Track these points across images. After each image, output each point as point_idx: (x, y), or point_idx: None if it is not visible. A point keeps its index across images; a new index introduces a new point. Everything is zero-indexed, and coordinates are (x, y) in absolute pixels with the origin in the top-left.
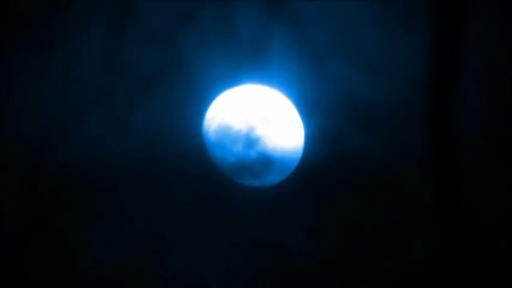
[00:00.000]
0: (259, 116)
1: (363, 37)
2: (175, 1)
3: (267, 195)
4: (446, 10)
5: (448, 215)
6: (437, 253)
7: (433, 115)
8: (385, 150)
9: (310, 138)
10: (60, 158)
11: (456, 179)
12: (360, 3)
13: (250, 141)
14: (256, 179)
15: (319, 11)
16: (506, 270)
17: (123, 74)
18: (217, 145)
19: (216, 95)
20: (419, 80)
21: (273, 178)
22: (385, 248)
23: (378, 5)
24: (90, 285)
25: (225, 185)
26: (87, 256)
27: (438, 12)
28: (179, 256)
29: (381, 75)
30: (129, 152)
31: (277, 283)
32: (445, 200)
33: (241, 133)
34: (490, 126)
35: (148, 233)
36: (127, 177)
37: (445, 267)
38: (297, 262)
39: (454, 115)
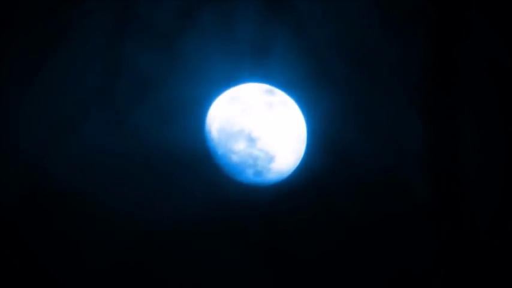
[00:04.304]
0: (260, 115)
1: (363, 37)
2: (176, 1)
3: (267, 195)
4: (447, 10)
5: (448, 215)
6: (437, 253)
7: (433, 115)
8: (385, 150)
9: (311, 137)
10: (60, 158)
11: (456, 179)
12: (359, 3)
13: (252, 140)
14: (257, 178)
15: (319, 11)
16: (505, 270)
17: (123, 74)
18: (218, 144)
19: (217, 94)
20: (420, 80)
21: (274, 177)
22: (385, 248)
23: (378, 4)
24: (90, 285)
25: (227, 184)
26: (88, 256)
27: (438, 12)
28: (179, 256)
29: (381, 75)
30: (129, 152)
31: (277, 283)
32: (444, 201)
33: (243, 132)
34: (490, 126)
35: (148, 232)
36: (127, 177)
37: (445, 268)
38: (297, 262)
39: (454, 115)
